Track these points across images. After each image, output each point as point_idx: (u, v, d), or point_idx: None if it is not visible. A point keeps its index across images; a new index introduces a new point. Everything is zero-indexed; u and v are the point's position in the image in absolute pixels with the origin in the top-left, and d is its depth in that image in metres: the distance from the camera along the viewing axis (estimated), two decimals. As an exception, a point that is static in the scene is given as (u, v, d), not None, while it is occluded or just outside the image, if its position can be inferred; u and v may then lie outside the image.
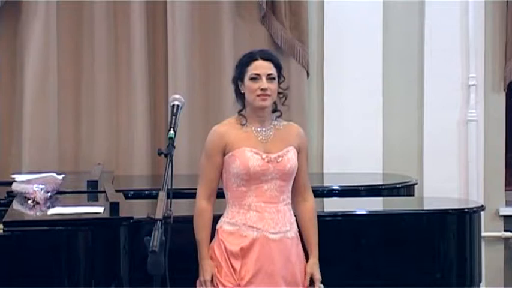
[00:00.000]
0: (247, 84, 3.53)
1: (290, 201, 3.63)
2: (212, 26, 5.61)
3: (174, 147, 3.36)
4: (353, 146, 5.65)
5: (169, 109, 3.52)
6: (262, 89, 3.50)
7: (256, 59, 3.55)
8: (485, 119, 5.83)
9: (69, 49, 5.57)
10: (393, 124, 5.76)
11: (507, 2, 5.79)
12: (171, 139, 3.37)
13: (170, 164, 3.29)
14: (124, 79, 5.59)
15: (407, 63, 5.79)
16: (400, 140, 5.78)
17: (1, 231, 3.77)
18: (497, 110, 5.87)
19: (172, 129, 3.41)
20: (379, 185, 5.14)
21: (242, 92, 3.57)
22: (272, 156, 3.54)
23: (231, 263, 3.53)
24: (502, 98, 5.88)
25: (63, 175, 4.56)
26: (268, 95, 3.52)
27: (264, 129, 3.58)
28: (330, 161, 5.68)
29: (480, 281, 4.47)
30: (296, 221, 3.66)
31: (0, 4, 5.42)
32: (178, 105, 3.50)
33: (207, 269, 3.51)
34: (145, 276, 3.16)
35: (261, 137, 3.57)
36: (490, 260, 5.67)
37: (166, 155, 3.32)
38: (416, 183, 5.26)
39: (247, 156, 3.51)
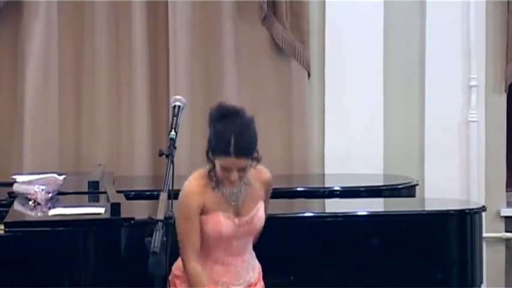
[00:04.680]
0: (218, 166, 3.39)
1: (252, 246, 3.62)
2: (213, 27, 5.61)
3: (175, 148, 3.36)
4: (354, 146, 5.65)
5: (171, 110, 3.52)
6: (231, 180, 3.40)
7: (230, 155, 3.33)
8: (486, 120, 5.83)
9: (70, 50, 5.58)
10: (394, 125, 5.76)
11: (508, 3, 5.79)
12: (172, 140, 3.37)
13: (171, 165, 3.29)
14: (125, 80, 5.59)
15: (408, 64, 5.79)
16: (401, 140, 5.78)
17: (2, 231, 3.77)
18: (498, 111, 5.87)
19: (173, 130, 3.41)
20: (380, 186, 5.14)
21: (212, 160, 3.42)
22: (244, 220, 3.49)
23: None
24: (503, 99, 5.88)
25: (64, 176, 4.56)
26: (237, 182, 3.43)
27: (234, 190, 3.48)
28: (331, 161, 5.68)
29: (481, 282, 4.47)
30: None
31: (1, 5, 5.42)
32: (179, 106, 3.49)
33: None
34: (146, 277, 3.17)
35: (233, 201, 3.48)
36: (491, 261, 5.66)
37: (167, 156, 3.32)
38: (417, 184, 5.25)
39: (220, 222, 3.44)
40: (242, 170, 3.41)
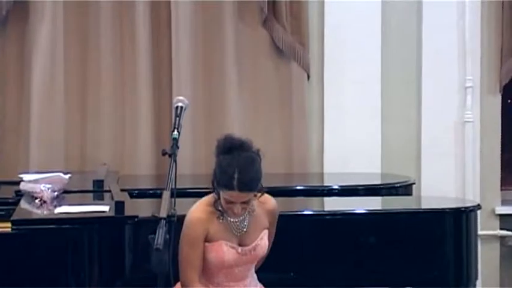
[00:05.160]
0: (222, 198, 3.37)
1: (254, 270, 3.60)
2: (215, 29, 5.61)
3: (178, 148, 3.36)
4: (352, 146, 5.64)
5: (173, 111, 3.52)
6: (234, 213, 3.39)
7: (233, 189, 3.30)
8: (481, 120, 5.83)
9: (76, 52, 5.57)
10: (392, 125, 5.76)
11: (502, 6, 5.79)
12: (175, 140, 3.37)
13: (174, 164, 3.29)
14: (129, 81, 5.59)
15: (406, 65, 5.79)
16: (399, 140, 5.78)
17: (9, 229, 3.78)
18: (493, 112, 5.86)
19: (176, 130, 3.41)
20: (378, 185, 5.14)
21: (218, 191, 3.40)
22: (247, 249, 3.47)
23: None
24: (497, 99, 5.88)
25: (69, 175, 4.56)
26: (241, 215, 3.42)
27: (239, 220, 3.46)
28: (330, 161, 5.68)
29: (476, 278, 4.47)
30: None
31: (8, 6, 5.41)
32: (182, 107, 3.50)
33: None
34: (149, 273, 3.17)
35: (237, 229, 3.46)
36: (486, 258, 5.67)
37: (170, 155, 3.32)
38: (414, 183, 5.25)
39: (223, 251, 3.42)
40: (245, 203, 3.39)
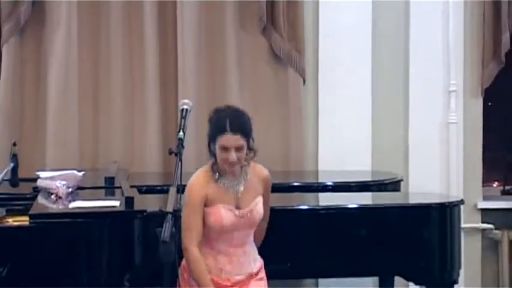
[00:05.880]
0: (218, 151, 3.43)
1: (253, 238, 3.61)
2: (218, 37, 5.61)
3: (183, 147, 3.36)
4: (345, 146, 5.64)
5: (179, 113, 3.52)
6: (230, 162, 3.42)
7: (226, 131, 3.39)
8: (464, 122, 5.83)
9: (89, 58, 5.57)
10: (381, 126, 5.76)
11: (484, 17, 5.79)
12: (181, 140, 3.38)
13: (179, 162, 3.29)
14: (138, 85, 5.58)
15: (394, 71, 5.79)
16: (388, 140, 5.78)
17: (27, 222, 3.78)
18: (475, 114, 5.86)
19: (181, 130, 3.41)
20: (369, 182, 5.13)
21: (213, 151, 3.47)
22: (243, 212, 3.49)
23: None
24: (479, 102, 5.87)
25: (83, 172, 4.56)
26: (236, 164, 3.45)
27: (235, 182, 3.51)
28: (324, 159, 5.67)
29: (460, 267, 4.47)
30: None
31: (26, 15, 5.40)
32: (187, 109, 3.50)
33: None
34: (157, 263, 3.17)
35: (233, 193, 3.50)
36: (468, 249, 5.66)
37: (176, 154, 3.32)
38: (402, 180, 5.24)
39: (222, 214, 3.45)
40: (239, 150, 3.42)
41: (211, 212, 3.45)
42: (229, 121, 3.41)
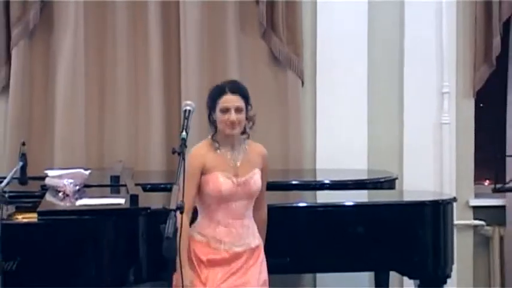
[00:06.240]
0: (218, 115, 3.49)
1: (252, 214, 3.61)
2: (220, 40, 5.60)
3: (186, 147, 3.35)
4: (342, 145, 5.63)
5: (182, 113, 3.51)
6: (231, 121, 3.46)
7: (225, 93, 3.48)
8: (457, 122, 5.82)
9: (95, 60, 5.56)
10: (377, 126, 5.76)
11: (475, 21, 5.78)
12: (183, 139, 3.37)
13: (182, 161, 3.28)
14: (142, 87, 5.58)
15: (389, 73, 5.79)
16: (383, 140, 5.77)
17: (36, 219, 3.78)
18: (467, 114, 5.86)
19: (184, 130, 3.40)
20: (365, 180, 5.13)
21: (214, 119, 3.53)
22: (241, 180, 3.51)
23: (199, 268, 3.49)
24: (471, 103, 5.87)
25: (89, 171, 4.56)
26: (236, 125, 3.48)
27: (235, 153, 3.54)
28: (322, 158, 5.67)
29: (452, 263, 4.46)
30: None
31: (35, 20, 5.40)
32: (189, 110, 3.49)
33: (187, 276, 3.38)
34: (160, 259, 3.16)
35: (232, 162, 3.53)
36: (461, 245, 5.66)
37: (179, 153, 3.31)
38: (396, 178, 5.25)
39: (220, 181, 3.48)
40: (239, 112, 3.46)
41: (209, 179, 3.48)
42: (228, 85, 3.52)
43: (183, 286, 3.32)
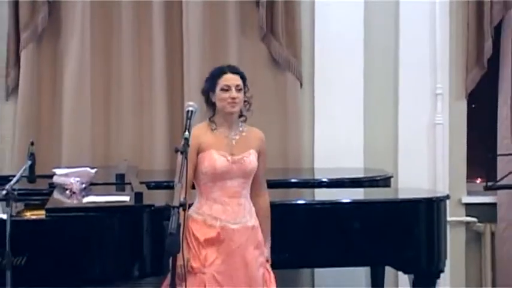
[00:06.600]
0: (219, 94, 3.51)
1: (249, 195, 3.60)
2: (221, 44, 5.60)
3: (188, 146, 3.35)
4: (339, 145, 5.63)
5: (185, 114, 3.50)
6: (232, 98, 3.48)
7: (226, 72, 3.53)
8: (450, 123, 5.82)
9: (101, 63, 5.56)
10: (373, 127, 5.75)
11: (468, 25, 5.78)
12: (186, 139, 3.36)
13: (185, 160, 3.28)
14: (147, 89, 5.58)
15: (385, 74, 5.78)
16: (379, 140, 5.77)
17: (44, 216, 3.77)
18: (459, 115, 5.86)
19: (187, 130, 3.40)
20: (361, 178, 5.13)
21: (213, 101, 3.54)
22: (236, 158, 3.51)
23: (197, 248, 3.48)
24: (464, 105, 5.87)
25: (95, 169, 4.55)
26: (237, 103, 3.50)
27: (231, 133, 3.55)
28: (320, 157, 5.66)
29: (445, 258, 4.46)
30: None
31: (43, 24, 5.40)
32: (192, 111, 3.49)
33: (180, 256, 3.35)
34: (164, 254, 3.15)
35: (227, 141, 3.53)
36: (453, 241, 5.65)
37: (182, 153, 3.31)
38: (392, 177, 5.25)
39: (215, 158, 3.48)
40: (239, 91, 3.50)
41: (205, 156, 3.49)
42: (227, 66, 3.59)
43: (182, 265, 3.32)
